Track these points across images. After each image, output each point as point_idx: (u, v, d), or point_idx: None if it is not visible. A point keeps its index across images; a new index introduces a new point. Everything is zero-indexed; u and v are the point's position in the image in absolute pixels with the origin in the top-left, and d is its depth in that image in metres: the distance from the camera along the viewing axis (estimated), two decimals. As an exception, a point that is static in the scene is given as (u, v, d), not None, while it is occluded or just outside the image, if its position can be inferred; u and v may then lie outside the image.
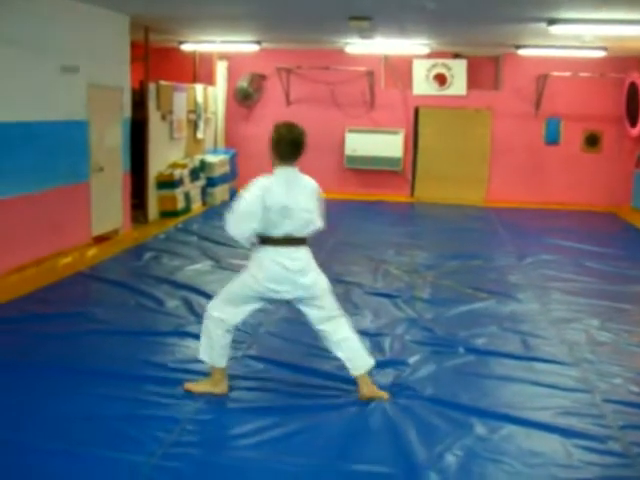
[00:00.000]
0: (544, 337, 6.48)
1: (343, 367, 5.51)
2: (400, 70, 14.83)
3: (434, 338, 6.38)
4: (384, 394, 5.04)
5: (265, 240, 4.79)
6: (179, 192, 12.03)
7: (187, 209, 12.36)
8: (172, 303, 7.15)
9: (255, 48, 13.56)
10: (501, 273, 8.83)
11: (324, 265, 8.73)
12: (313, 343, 6.00)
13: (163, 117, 11.97)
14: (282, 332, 6.35)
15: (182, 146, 13.03)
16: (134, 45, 10.80)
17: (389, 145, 14.93)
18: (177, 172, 12.01)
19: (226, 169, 13.81)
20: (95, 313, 6.76)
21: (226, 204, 10.93)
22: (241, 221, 4.72)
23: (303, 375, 5.42)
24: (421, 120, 15.02)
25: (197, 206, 12.78)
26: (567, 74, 14.08)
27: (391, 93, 15.04)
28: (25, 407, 4.76)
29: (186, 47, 13.82)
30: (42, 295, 7.32)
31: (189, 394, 4.99)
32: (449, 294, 7.84)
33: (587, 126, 14.57)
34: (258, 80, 15.25)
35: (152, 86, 11.48)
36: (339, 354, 5.03)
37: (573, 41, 11.16)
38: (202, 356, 5.03)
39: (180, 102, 12.57)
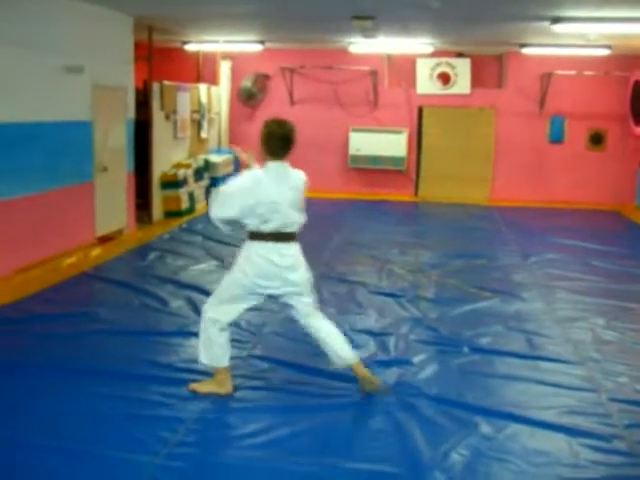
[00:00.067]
0: (549, 336, 6.47)
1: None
2: (404, 69, 14.81)
3: (439, 337, 6.37)
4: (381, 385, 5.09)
5: (254, 235, 4.81)
6: (183, 192, 12.04)
7: (191, 209, 12.37)
8: (176, 303, 7.15)
9: (259, 48, 13.56)
10: (506, 272, 8.82)
11: (328, 264, 8.83)
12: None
13: (167, 117, 11.97)
14: (287, 332, 6.34)
15: (186, 146, 13.04)
16: (138, 45, 10.81)
17: (393, 144, 14.91)
18: (181, 172, 12.02)
19: (230, 169, 13.81)
20: (99, 313, 6.76)
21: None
22: (224, 204, 4.75)
23: (308, 375, 5.41)
24: (425, 119, 15.01)
25: (201, 206, 12.77)
26: (571, 72, 14.05)
27: (395, 92, 15.03)
28: (29, 407, 4.76)
29: (190, 47, 13.83)
30: (46, 295, 7.32)
31: (194, 394, 4.99)
32: (454, 293, 7.83)
33: (591, 124, 14.54)
34: (262, 80, 15.25)
35: (156, 86, 11.48)
36: (326, 348, 5.06)
37: (577, 39, 11.13)
38: (202, 359, 5.04)
39: (184, 102, 12.58)
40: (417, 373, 5.52)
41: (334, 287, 7.87)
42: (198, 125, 13.48)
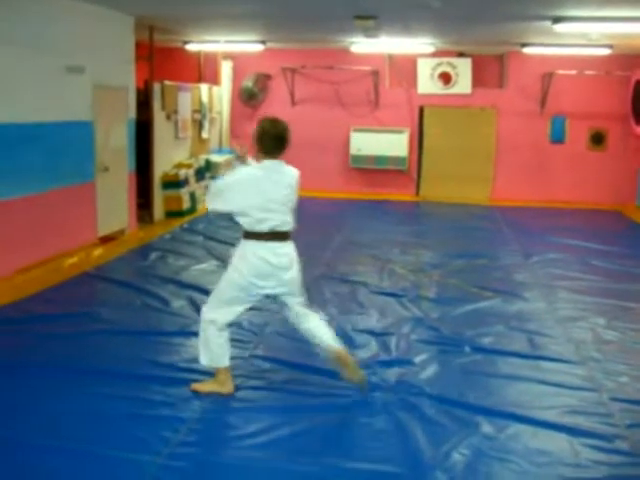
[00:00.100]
0: (550, 336, 6.47)
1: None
2: (405, 69, 14.81)
3: (440, 337, 6.37)
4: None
5: (249, 235, 4.82)
6: (184, 192, 12.04)
7: (192, 209, 12.37)
8: (178, 303, 7.15)
9: (260, 48, 13.56)
10: (507, 272, 8.82)
11: (330, 264, 8.84)
12: (319, 342, 6.01)
13: (168, 117, 11.97)
14: (289, 332, 6.30)
15: (187, 146, 13.04)
16: (139, 45, 10.81)
17: (394, 144, 14.91)
18: (182, 172, 12.02)
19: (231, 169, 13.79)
20: (101, 313, 6.77)
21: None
22: (221, 199, 4.80)
23: (309, 375, 5.41)
24: (426, 119, 15.00)
25: (203, 206, 12.77)
26: (572, 72, 14.04)
27: (396, 92, 15.03)
28: (31, 407, 4.77)
29: (191, 47, 13.83)
30: (48, 295, 7.33)
31: (195, 394, 5.00)
32: (455, 293, 7.83)
33: (592, 124, 14.53)
34: (263, 80, 15.25)
35: (157, 86, 11.48)
36: (316, 340, 5.07)
37: (578, 39, 11.12)
38: (202, 361, 5.05)
39: (185, 102, 12.58)
40: (418, 373, 5.53)
41: (335, 287, 7.88)
42: (199, 125, 13.48)
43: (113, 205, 10.01)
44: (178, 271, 8.41)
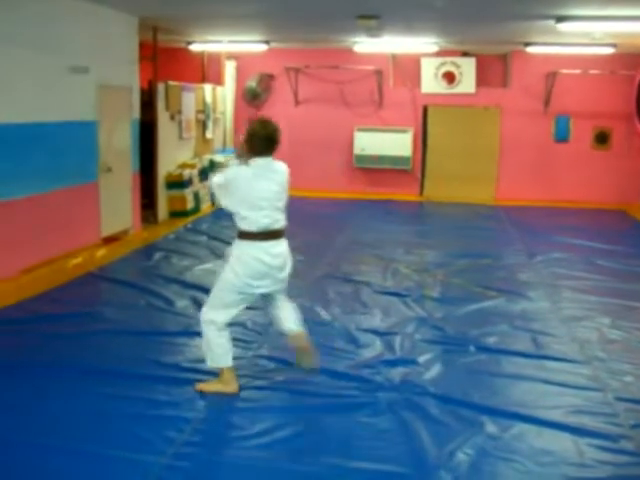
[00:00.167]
0: (555, 335, 6.46)
1: (353, 367, 5.53)
2: (408, 69, 14.80)
3: (444, 337, 6.37)
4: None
5: (244, 234, 4.84)
6: (188, 192, 12.05)
7: (196, 209, 12.38)
8: (182, 303, 7.16)
9: (263, 48, 13.56)
10: (511, 271, 8.80)
11: (333, 264, 8.84)
12: (324, 342, 6.02)
13: (172, 117, 11.98)
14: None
15: (191, 146, 13.05)
16: (142, 45, 10.81)
17: (398, 144, 14.90)
18: (186, 172, 12.03)
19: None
20: (105, 313, 6.78)
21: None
22: (225, 196, 4.88)
23: (314, 374, 5.40)
24: (430, 118, 14.99)
25: (206, 206, 12.79)
26: (576, 71, 14.02)
27: (400, 92, 15.02)
28: (35, 407, 4.78)
29: (194, 47, 13.83)
30: (52, 295, 7.34)
31: (200, 394, 5.00)
32: (459, 293, 7.83)
33: (597, 123, 14.51)
34: (267, 80, 15.25)
35: (161, 86, 11.49)
36: (279, 320, 5.21)
37: (582, 38, 11.11)
38: (208, 363, 5.07)
39: (189, 102, 12.58)
40: (423, 373, 5.52)
41: (339, 287, 7.88)
42: (203, 125, 13.48)
43: (117, 205, 10.01)
44: (182, 271, 8.41)
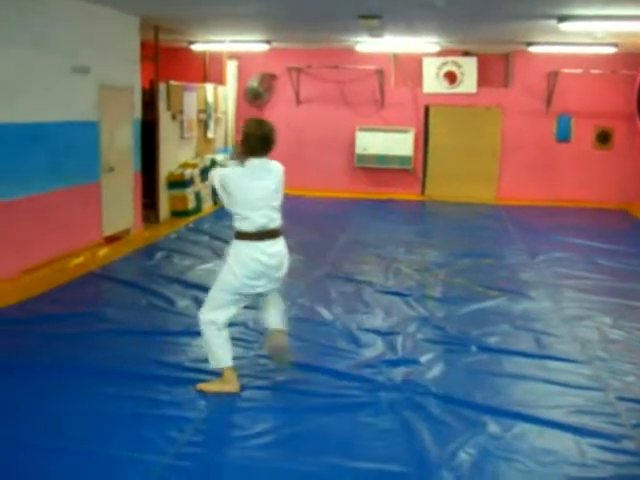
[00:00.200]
0: (556, 335, 6.46)
1: (355, 366, 5.53)
2: (410, 68, 14.80)
3: (446, 336, 6.37)
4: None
5: (241, 235, 4.86)
6: (190, 192, 12.06)
7: (198, 209, 12.38)
8: (183, 303, 7.16)
9: (265, 47, 13.56)
10: (513, 271, 8.80)
11: (335, 264, 8.83)
12: (325, 342, 6.03)
13: (173, 117, 11.98)
14: (293, 331, 6.33)
15: (193, 146, 13.05)
16: (144, 45, 10.82)
17: (399, 143, 14.90)
18: (188, 172, 12.03)
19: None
20: (106, 313, 6.78)
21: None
22: (222, 193, 4.92)
23: (315, 374, 5.41)
24: (431, 118, 14.99)
25: (208, 206, 12.79)
26: (578, 71, 14.02)
27: (401, 91, 15.02)
28: (36, 407, 4.78)
29: (196, 47, 13.84)
30: (54, 295, 7.34)
31: (201, 394, 5.00)
32: (460, 292, 7.82)
33: (598, 123, 14.50)
34: (268, 80, 15.25)
35: (162, 86, 11.50)
36: (274, 320, 5.32)
37: (584, 38, 11.10)
38: (211, 364, 5.08)
39: (190, 102, 12.58)
40: (424, 372, 5.52)
41: (341, 286, 7.88)
42: (205, 125, 13.48)
43: (118, 205, 10.02)
44: (183, 271, 8.41)
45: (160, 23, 10.90)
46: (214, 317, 4.94)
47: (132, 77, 10.33)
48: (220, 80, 14.63)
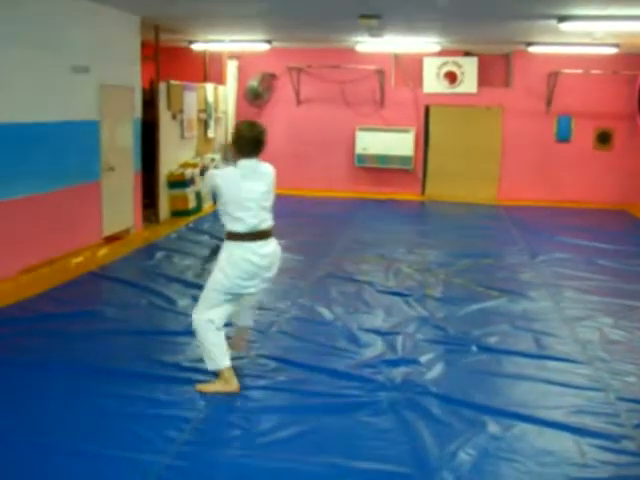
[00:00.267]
0: (557, 335, 6.45)
1: (355, 366, 5.53)
2: (410, 68, 14.80)
3: (446, 337, 6.36)
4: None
5: (232, 236, 4.88)
6: (190, 191, 12.06)
7: (198, 208, 12.38)
8: (183, 302, 7.15)
9: (265, 47, 13.55)
10: (513, 271, 8.79)
11: (335, 264, 8.82)
12: (325, 342, 6.03)
13: (174, 116, 11.98)
14: (294, 331, 6.35)
15: (193, 145, 13.05)
16: (144, 45, 10.82)
17: (400, 143, 14.89)
18: (188, 171, 12.03)
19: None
20: (106, 312, 6.77)
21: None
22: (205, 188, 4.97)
23: (315, 374, 5.41)
24: (432, 118, 14.99)
25: (208, 205, 12.77)
26: (578, 71, 14.02)
27: (401, 91, 15.02)
28: (34, 406, 4.77)
29: (196, 46, 13.83)
30: (53, 295, 7.33)
31: (200, 393, 4.99)
32: (461, 292, 7.82)
33: (599, 123, 14.49)
34: (268, 79, 15.25)
35: (162, 86, 11.49)
36: (245, 317, 5.45)
37: (584, 38, 11.10)
38: (209, 367, 5.08)
39: (190, 101, 12.58)
40: (424, 372, 5.51)
41: (341, 286, 7.87)
42: (205, 124, 13.48)
43: (119, 205, 10.01)
44: (183, 270, 8.41)
45: (160, 23, 10.89)
46: (211, 316, 4.95)
47: (132, 76, 10.33)
48: (220, 80, 14.63)
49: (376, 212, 13.05)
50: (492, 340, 6.28)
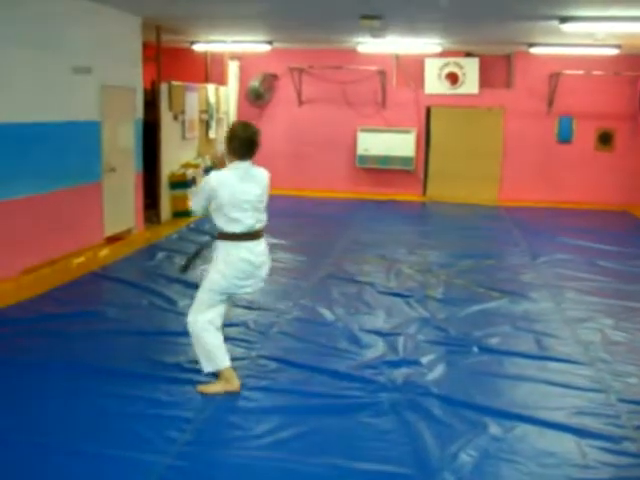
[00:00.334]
0: (558, 336, 6.44)
1: (356, 367, 5.53)
2: (412, 69, 14.80)
3: (447, 338, 6.35)
4: None
5: (227, 236, 4.89)
6: (191, 192, 12.04)
7: (199, 209, 12.35)
8: (184, 303, 7.12)
9: (267, 48, 13.55)
10: (514, 272, 8.79)
11: (336, 264, 8.82)
12: (326, 343, 6.02)
13: (175, 117, 11.98)
14: (295, 332, 6.34)
15: (194, 146, 13.04)
16: (146, 45, 10.82)
17: (401, 144, 14.90)
18: (189, 172, 12.03)
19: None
20: (107, 313, 6.77)
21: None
22: (197, 201, 5.00)
23: (316, 375, 5.40)
24: (433, 119, 15.00)
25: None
26: (580, 72, 14.01)
27: (403, 92, 15.01)
28: (35, 406, 4.77)
29: (198, 47, 13.83)
30: (55, 295, 7.33)
31: (201, 394, 4.99)
32: (462, 293, 7.81)
33: (600, 124, 14.49)
34: (270, 80, 15.25)
35: (164, 86, 11.49)
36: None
37: (586, 39, 11.10)
38: (206, 369, 5.07)
39: (192, 102, 12.58)
40: (426, 373, 5.51)
41: (342, 287, 7.86)
42: (206, 125, 13.48)
43: (120, 205, 10.02)
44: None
45: (162, 23, 10.90)
46: (210, 317, 4.96)
47: (134, 77, 10.33)
48: (222, 80, 14.63)
49: (377, 213, 13.05)
50: (493, 341, 6.27)
